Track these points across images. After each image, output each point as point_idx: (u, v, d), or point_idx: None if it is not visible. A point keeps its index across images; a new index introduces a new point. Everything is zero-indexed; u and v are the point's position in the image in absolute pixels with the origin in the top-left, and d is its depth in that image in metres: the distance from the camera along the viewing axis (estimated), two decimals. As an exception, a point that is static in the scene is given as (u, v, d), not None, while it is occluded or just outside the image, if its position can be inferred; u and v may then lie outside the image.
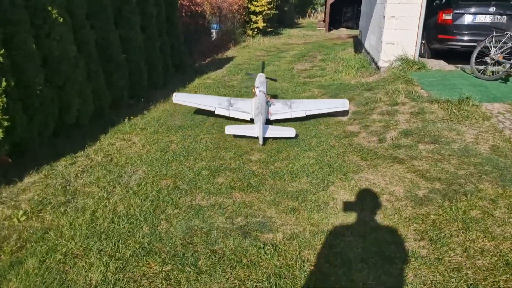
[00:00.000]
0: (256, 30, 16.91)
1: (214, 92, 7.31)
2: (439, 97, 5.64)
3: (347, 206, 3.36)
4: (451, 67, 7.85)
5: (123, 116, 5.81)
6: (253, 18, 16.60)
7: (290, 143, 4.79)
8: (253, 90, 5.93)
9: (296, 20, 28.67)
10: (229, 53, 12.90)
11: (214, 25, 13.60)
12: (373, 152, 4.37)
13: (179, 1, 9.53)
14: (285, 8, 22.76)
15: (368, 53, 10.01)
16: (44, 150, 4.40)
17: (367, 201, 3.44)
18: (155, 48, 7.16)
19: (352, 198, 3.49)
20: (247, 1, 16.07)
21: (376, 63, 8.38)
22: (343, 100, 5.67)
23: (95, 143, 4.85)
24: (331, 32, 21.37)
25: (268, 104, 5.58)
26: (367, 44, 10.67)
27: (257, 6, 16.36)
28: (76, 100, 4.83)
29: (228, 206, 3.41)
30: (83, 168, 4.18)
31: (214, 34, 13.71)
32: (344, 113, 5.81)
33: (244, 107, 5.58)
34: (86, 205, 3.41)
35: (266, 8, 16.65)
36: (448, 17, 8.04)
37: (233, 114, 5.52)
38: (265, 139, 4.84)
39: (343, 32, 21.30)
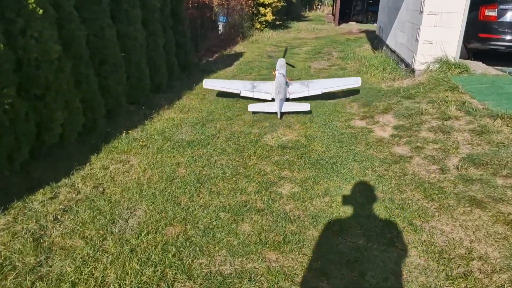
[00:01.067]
0: (265, 23, 15.86)
1: (226, 96, 6.38)
2: (500, 111, 4.67)
3: (427, 280, 2.41)
4: (493, 70, 6.86)
5: (120, 127, 4.86)
6: (262, 10, 15.54)
7: (326, 169, 3.83)
8: (274, 73, 6.49)
9: (302, 13, 27.60)
10: (238, 48, 11.89)
11: (221, 18, 12.59)
12: (439, 188, 3.41)
13: (185, -9, 8.51)
14: (293, 0, 21.64)
15: (393, 52, 9.01)
16: (17, 180, 3.44)
17: (452, 270, 2.48)
18: (158, 46, 6.16)
19: (430, 265, 2.54)
20: (256, -8, 15.03)
21: (408, 65, 7.38)
22: (355, 78, 6.15)
23: (83, 166, 3.89)
24: (341, 26, 20.35)
25: (287, 84, 6.10)
26: (390, 42, 9.66)
27: (266, -2, 15.31)
28: (60, 113, 3.85)
29: (261, 276, 2.46)
30: (65, 205, 3.23)
31: (220, 27, 12.71)
32: (356, 91, 6.42)
33: (266, 89, 6.10)
34: (63, 273, 2.46)
35: (275, 0, 15.58)
36: (492, 13, 7.03)
37: (256, 95, 6.03)
38: (283, 114, 5.44)
39: (353, 26, 20.30)
